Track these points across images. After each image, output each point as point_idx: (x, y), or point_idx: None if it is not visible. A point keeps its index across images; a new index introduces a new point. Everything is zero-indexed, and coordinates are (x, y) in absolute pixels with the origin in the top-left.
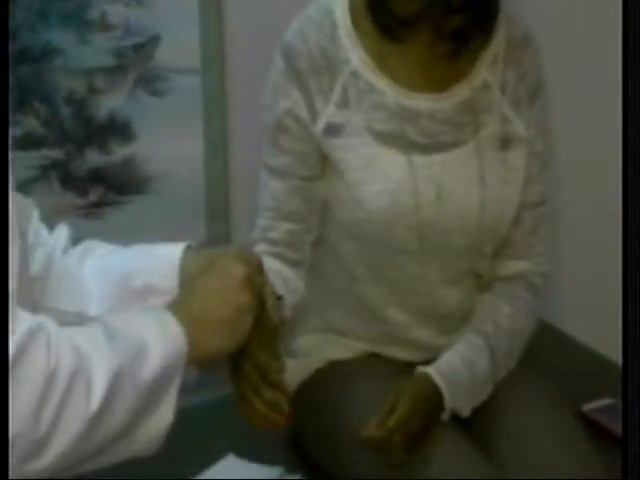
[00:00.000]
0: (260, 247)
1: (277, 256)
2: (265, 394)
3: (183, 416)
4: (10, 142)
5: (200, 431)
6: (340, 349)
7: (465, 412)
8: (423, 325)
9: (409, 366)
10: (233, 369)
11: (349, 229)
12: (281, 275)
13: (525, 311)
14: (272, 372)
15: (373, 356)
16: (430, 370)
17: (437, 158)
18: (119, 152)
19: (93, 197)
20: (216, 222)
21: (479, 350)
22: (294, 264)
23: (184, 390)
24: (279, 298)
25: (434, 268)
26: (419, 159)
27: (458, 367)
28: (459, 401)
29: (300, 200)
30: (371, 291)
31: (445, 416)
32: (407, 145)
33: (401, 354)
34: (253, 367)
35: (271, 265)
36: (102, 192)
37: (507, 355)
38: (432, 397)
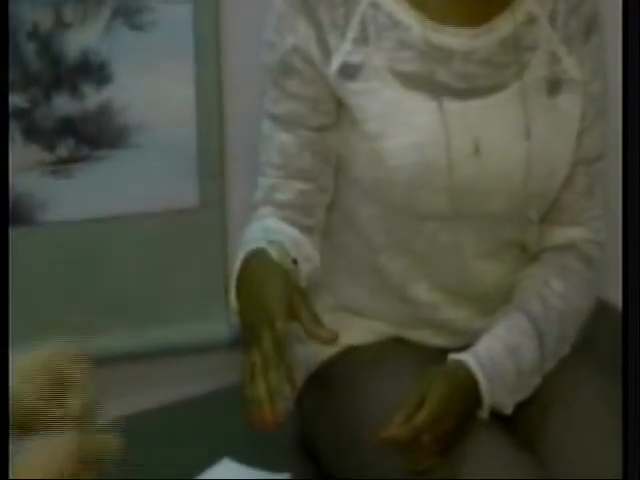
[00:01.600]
0: (264, 210)
1: (285, 221)
2: (271, 376)
3: (178, 411)
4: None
5: (196, 429)
6: (358, 332)
7: (507, 409)
8: (456, 305)
9: (441, 353)
10: (249, 341)
11: (367, 191)
12: (292, 238)
13: (579, 287)
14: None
15: (397, 341)
16: (466, 357)
17: (473, 105)
18: (93, 98)
19: (62, 151)
20: (210, 182)
21: (525, 334)
22: (306, 230)
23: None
24: (294, 262)
25: (469, 238)
26: (452, 106)
27: (500, 354)
28: (500, 395)
29: (311, 155)
30: (394, 265)
31: (483, 413)
32: (438, 90)
33: (431, 339)
34: (272, 335)
35: (279, 226)
36: (73, 146)
37: (558, 340)
38: (468, 390)
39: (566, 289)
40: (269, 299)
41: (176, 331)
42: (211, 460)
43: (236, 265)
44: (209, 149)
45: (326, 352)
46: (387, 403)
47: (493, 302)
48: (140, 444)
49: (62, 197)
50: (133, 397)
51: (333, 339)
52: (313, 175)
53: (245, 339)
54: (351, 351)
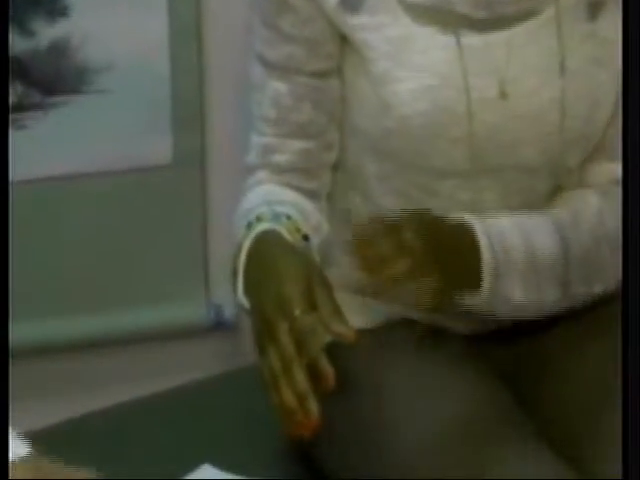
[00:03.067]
0: (260, 175)
1: (286, 186)
2: (297, 378)
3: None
4: None
5: (173, 427)
6: (364, 314)
7: (517, 293)
8: None
9: (457, 338)
10: (263, 339)
11: (375, 145)
12: (299, 208)
13: (618, 212)
14: (314, 341)
15: (410, 324)
16: (469, 217)
17: (497, 39)
18: (45, 34)
19: (10, 98)
20: (187, 134)
21: (545, 231)
22: (310, 195)
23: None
24: (305, 238)
25: (494, 197)
26: (472, 41)
27: (510, 230)
28: (505, 278)
29: (311, 106)
30: None
31: (481, 295)
32: (455, 22)
33: (446, 322)
34: (291, 335)
35: (283, 195)
36: (23, 91)
37: (588, 266)
38: (465, 251)
39: (604, 208)
40: (286, 286)
41: (147, 314)
42: (190, 463)
43: (244, 246)
44: (185, 95)
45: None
46: (403, 397)
47: None
48: (110, 444)
49: (10, 152)
50: (100, 391)
51: (351, 337)
52: (315, 130)
53: (259, 337)
54: (362, 334)
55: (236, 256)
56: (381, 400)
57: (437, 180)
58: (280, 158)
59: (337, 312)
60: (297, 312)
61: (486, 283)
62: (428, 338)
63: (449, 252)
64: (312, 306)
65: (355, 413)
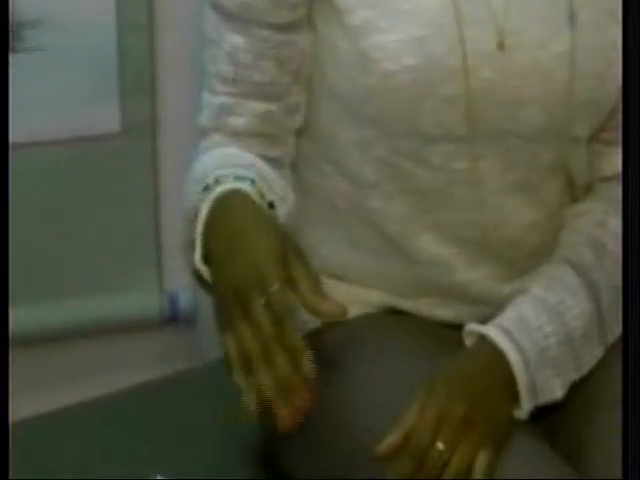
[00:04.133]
0: (215, 138)
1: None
2: (280, 359)
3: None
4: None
5: (122, 432)
6: (344, 303)
7: (557, 391)
8: (474, 263)
9: (452, 330)
10: (229, 318)
11: (352, 107)
12: (262, 173)
13: None
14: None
15: (395, 314)
16: (486, 328)
17: None
18: None
19: None
20: (136, 98)
21: (572, 288)
22: (272, 163)
23: None
24: (271, 206)
25: (493, 166)
26: None
27: (535, 316)
28: (543, 373)
29: (274, 64)
30: (389, 209)
31: (522, 410)
32: None
33: (439, 311)
34: (268, 303)
35: (244, 157)
36: None
37: (617, 299)
38: (494, 375)
39: (617, 223)
40: (260, 255)
41: (89, 304)
42: (139, 475)
43: (201, 210)
44: (134, 53)
45: (299, 330)
46: (383, 399)
47: (525, 257)
48: (56, 450)
49: None
50: (35, 393)
51: (342, 314)
52: (277, 91)
53: (224, 316)
54: (332, 328)
55: (190, 223)
56: (354, 403)
57: (427, 147)
58: (237, 121)
59: (319, 287)
60: (275, 286)
61: (523, 394)
62: (418, 330)
63: (476, 391)
64: (288, 280)
65: (324, 416)
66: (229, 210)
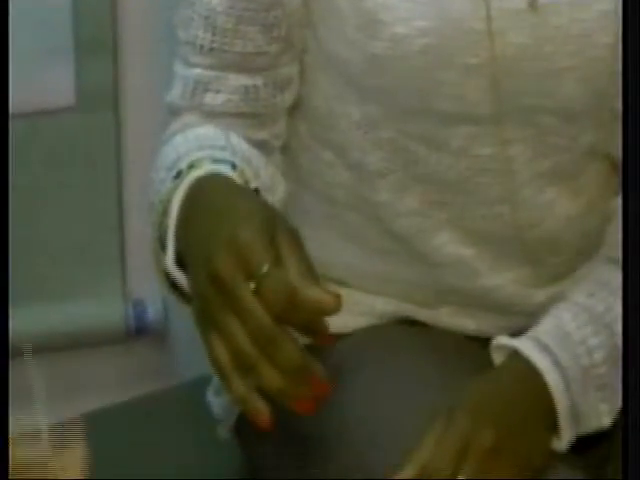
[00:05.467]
0: (188, 118)
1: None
2: (287, 346)
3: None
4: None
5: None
6: (345, 314)
7: (605, 418)
8: (500, 265)
9: (479, 344)
10: (215, 318)
11: (356, 79)
12: (245, 157)
13: None
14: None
15: (407, 325)
16: (519, 342)
17: None
18: None
19: None
20: (94, 67)
21: (621, 293)
22: (258, 147)
23: None
24: (255, 192)
25: (522, 150)
26: None
27: (578, 327)
28: (587, 396)
29: (259, 29)
30: (400, 202)
31: (561, 441)
32: None
33: (459, 321)
34: (257, 289)
35: (224, 137)
36: None
37: None
38: (528, 399)
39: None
40: (244, 232)
41: (42, 314)
42: None
43: (174, 199)
44: (90, 15)
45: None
46: (389, 423)
47: (563, 258)
48: None
49: None
50: None
51: (337, 306)
52: (263, 62)
53: (204, 315)
54: (335, 342)
55: (160, 218)
56: (360, 431)
57: (444, 128)
58: (215, 98)
59: (312, 274)
60: (265, 267)
61: (564, 422)
62: (434, 344)
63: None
64: (278, 263)
65: (323, 446)
66: (206, 197)
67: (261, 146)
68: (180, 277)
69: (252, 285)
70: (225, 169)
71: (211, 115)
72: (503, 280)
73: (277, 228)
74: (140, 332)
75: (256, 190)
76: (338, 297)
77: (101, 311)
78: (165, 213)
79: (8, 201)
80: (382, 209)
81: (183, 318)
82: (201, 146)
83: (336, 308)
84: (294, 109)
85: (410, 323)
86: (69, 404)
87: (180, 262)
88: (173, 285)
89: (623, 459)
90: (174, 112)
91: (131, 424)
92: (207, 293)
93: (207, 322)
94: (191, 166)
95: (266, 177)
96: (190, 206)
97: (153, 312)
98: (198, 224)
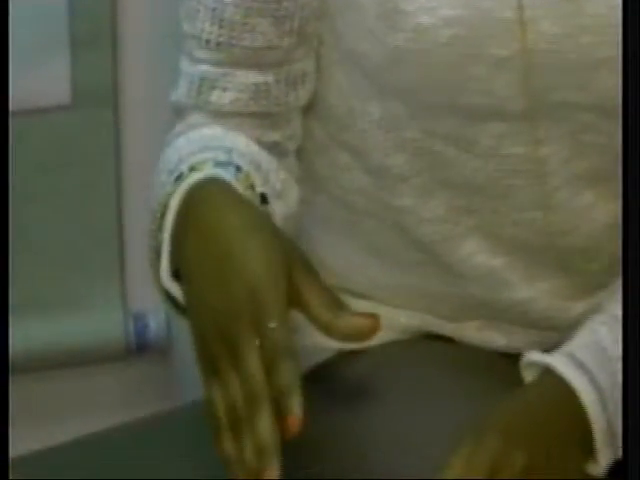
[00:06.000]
0: (194, 118)
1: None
2: (262, 422)
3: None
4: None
5: None
6: None
7: None
8: (536, 275)
9: (509, 360)
10: (210, 359)
11: (377, 75)
12: (254, 159)
13: None
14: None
15: (431, 340)
16: (555, 361)
17: None
18: None
19: None
20: (92, 63)
21: None
22: (269, 150)
23: None
24: (263, 199)
25: (559, 151)
26: None
27: (618, 344)
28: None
29: (271, 21)
30: (424, 208)
31: (598, 465)
32: None
33: (487, 337)
34: (262, 345)
35: (229, 138)
36: None
37: None
38: (562, 420)
39: None
40: (252, 275)
41: (35, 330)
42: None
43: (170, 205)
44: (88, 8)
45: (312, 360)
46: (413, 444)
47: (601, 268)
48: None
49: None
50: None
51: (375, 325)
52: (275, 57)
53: (204, 354)
54: (354, 358)
55: (157, 224)
56: (388, 447)
57: (472, 127)
58: (222, 97)
59: (337, 302)
60: (273, 322)
61: (601, 448)
62: (460, 360)
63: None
64: (296, 299)
65: (346, 465)
66: (204, 206)
67: (273, 149)
68: (175, 290)
69: (257, 342)
70: (227, 173)
71: (218, 115)
72: (536, 292)
73: (288, 260)
74: (141, 348)
75: (263, 196)
76: (373, 317)
77: (99, 326)
78: (163, 218)
79: (8, 202)
80: (405, 216)
81: (187, 333)
82: (205, 147)
83: (374, 327)
84: (309, 108)
85: (435, 338)
86: (63, 426)
87: (176, 273)
88: (170, 299)
89: (623, 459)
90: (179, 112)
91: (130, 449)
92: (210, 339)
93: (208, 364)
94: (192, 169)
95: (276, 182)
96: (185, 216)
97: (155, 326)
98: (193, 241)
